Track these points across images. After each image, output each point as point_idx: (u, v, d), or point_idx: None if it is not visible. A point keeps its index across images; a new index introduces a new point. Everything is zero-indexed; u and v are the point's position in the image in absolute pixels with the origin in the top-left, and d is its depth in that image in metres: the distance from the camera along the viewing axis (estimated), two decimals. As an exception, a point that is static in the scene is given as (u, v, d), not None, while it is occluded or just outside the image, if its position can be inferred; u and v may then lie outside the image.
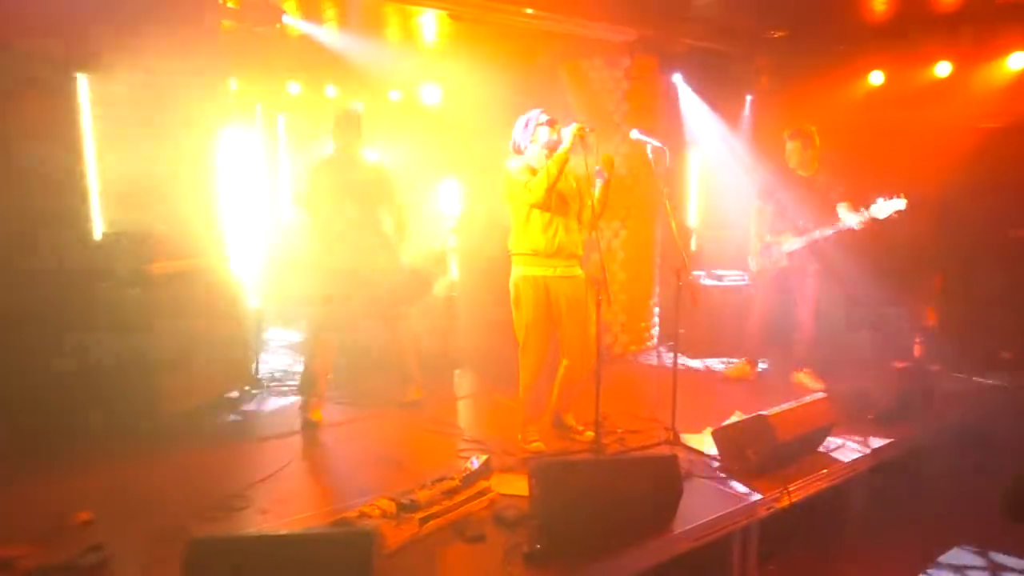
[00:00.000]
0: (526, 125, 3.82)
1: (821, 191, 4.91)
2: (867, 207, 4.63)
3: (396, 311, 4.59)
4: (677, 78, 6.18)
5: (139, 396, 4.13)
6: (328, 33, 5.16)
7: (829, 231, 4.83)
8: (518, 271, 3.87)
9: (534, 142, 3.83)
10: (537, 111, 3.85)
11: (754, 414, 3.70)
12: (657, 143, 4.13)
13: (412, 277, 4.60)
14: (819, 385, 4.99)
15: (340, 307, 4.35)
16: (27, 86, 4.05)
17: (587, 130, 3.69)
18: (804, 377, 5.12)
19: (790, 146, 5.01)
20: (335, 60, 5.39)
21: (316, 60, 5.52)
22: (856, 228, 4.69)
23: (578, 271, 3.94)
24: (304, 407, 4.40)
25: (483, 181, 6.50)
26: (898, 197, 4.53)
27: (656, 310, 6.51)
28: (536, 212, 3.76)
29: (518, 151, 3.86)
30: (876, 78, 6.14)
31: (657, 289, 6.49)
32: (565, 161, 3.69)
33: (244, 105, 5.67)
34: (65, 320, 3.97)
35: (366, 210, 4.27)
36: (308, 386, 4.41)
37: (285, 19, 4.69)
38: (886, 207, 4.56)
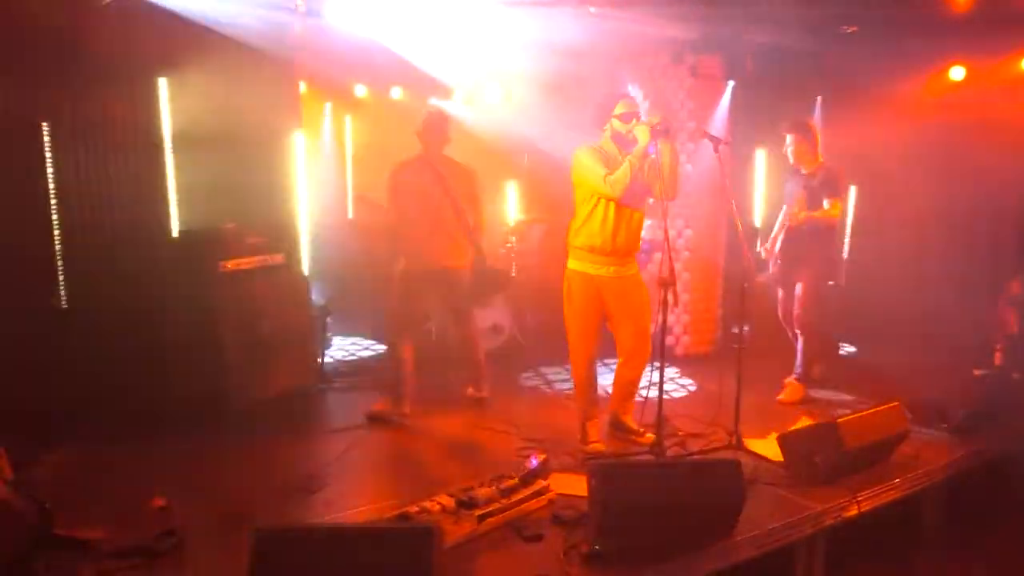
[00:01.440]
0: (603, 108, 3.79)
1: (816, 188, 4.75)
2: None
3: (469, 307, 4.65)
4: (738, 79, 6.03)
5: (211, 387, 4.28)
6: (388, 32, 5.22)
7: (778, 226, 4.75)
8: (573, 264, 3.86)
9: (604, 131, 3.80)
10: (620, 96, 3.82)
11: (822, 420, 3.58)
12: (723, 141, 4.06)
13: (490, 274, 4.64)
14: (798, 398, 4.79)
15: (423, 303, 4.43)
16: (113, 91, 4.24)
17: (660, 125, 3.63)
18: (787, 382, 4.89)
19: (788, 140, 4.84)
20: (399, 61, 5.45)
21: (382, 61, 5.58)
22: (787, 222, 4.64)
23: (634, 269, 3.91)
24: (394, 402, 4.46)
25: (542, 182, 6.52)
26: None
27: (720, 312, 6.36)
28: (602, 205, 3.73)
29: (598, 126, 3.84)
30: (957, 73, 5.86)
31: (721, 289, 6.34)
32: (645, 156, 3.66)
33: (313, 107, 5.80)
34: (144, 314, 4.14)
35: (451, 208, 4.35)
36: (396, 381, 4.47)
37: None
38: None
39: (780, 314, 5.16)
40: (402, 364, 4.44)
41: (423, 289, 4.43)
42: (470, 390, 4.74)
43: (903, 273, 6.15)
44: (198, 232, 4.51)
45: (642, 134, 3.63)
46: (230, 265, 4.46)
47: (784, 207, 5.03)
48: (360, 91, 6.58)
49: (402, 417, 4.43)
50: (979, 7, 5.18)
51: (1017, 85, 5.59)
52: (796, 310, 4.89)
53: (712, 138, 3.95)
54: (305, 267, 5.18)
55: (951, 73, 5.88)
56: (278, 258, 4.75)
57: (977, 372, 5.20)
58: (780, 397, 4.86)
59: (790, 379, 4.94)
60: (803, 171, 4.87)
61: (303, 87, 5.60)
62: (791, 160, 4.89)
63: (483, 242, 4.56)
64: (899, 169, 6.01)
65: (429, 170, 4.35)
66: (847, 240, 6.63)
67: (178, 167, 4.54)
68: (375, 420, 4.43)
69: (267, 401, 4.58)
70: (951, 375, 5.29)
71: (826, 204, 4.63)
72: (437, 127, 4.42)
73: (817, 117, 6.52)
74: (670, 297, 3.59)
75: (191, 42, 4.26)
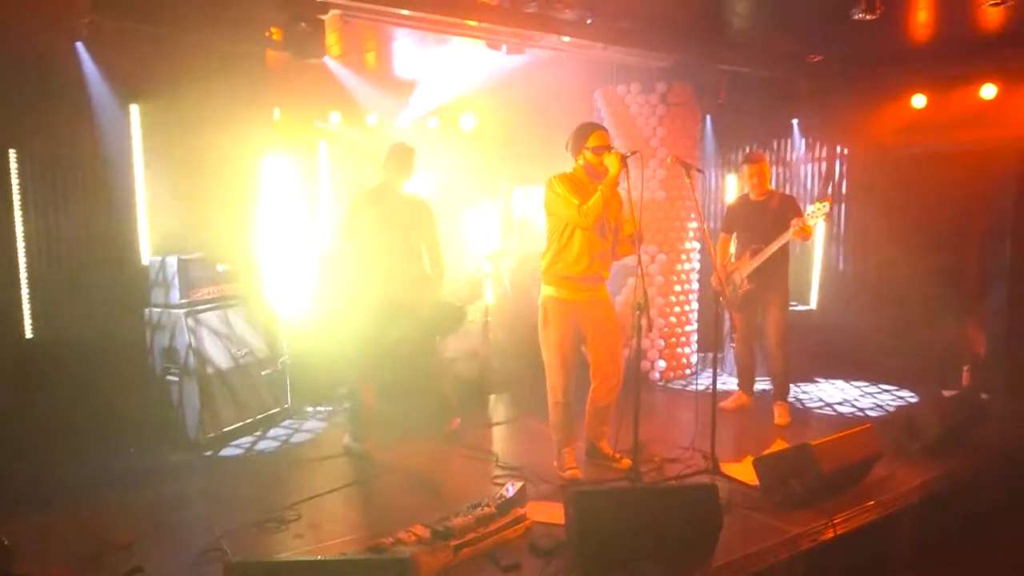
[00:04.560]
0: (578, 138, 3.84)
1: (774, 212, 4.85)
2: (808, 214, 4.64)
3: (432, 342, 4.63)
4: (711, 106, 6.18)
5: (175, 417, 4.21)
6: (367, 67, 5.26)
7: (775, 245, 4.78)
8: (548, 292, 3.88)
9: (577, 160, 3.86)
10: (594, 128, 3.86)
11: (798, 443, 3.60)
12: (695, 168, 4.13)
13: (448, 310, 4.61)
14: (786, 420, 4.86)
15: (385, 339, 4.38)
16: (84, 118, 4.20)
17: (627, 155, 3.70)
18: (776, 411, 4.95)
19: (746, 171, 5.02)
20: (374, 91, 5.48)
21: (356, 90, 5.62)
22: (792, 237, 4.70)
23: (605, 293, 3.95)
24: (357, 439, 4.40)
25: (516, 206, 6.55)
26: (822, 202, 4.59)
27: (695, 336, 6.42)
28: (577, 235, 3.77)
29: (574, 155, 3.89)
30: (918, 101, 6.05)
31: (696, 314, 6.41)
32: (616, 185, 3.72)
33: (286, 134, 5.78)
34: (110, 343, 4.07)
35: (407, 243, 4.32)
36: (360, 420, 4.41)
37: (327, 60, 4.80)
38: (814, 214, 4.60)
39: (741, 340, 5.21)
40: (362, 400, 4.39)
41: (381, 323, 4.34)
42: (441, 423, 4.69)
43: (871, 295, 6.27)
44: (168, 259, 4.45)
45: (613, 164, 3.68)
46: (200, 293, 4.42)
47: (723, 237, 5.16)
48: (335, 118, 6.59)
49: (370, 450, 4.35)
50: (939, 39, 5.38)
51: (976, 112, 5.76)
52: (772, 333, 4.95)
53: (684, 165, 4.02)
54: (274, 297, 5.11)
55: (913, 100, 6.05)
56: (246, 287, 4.71)
57: (946, 392, 5.28)
58: (776, 422, 4.91)
59: (777, 403, 4.99)
60: (754, 198, 5.00)
61: (277, 113, 5.59)
62: (747, 189, 5.05)
63: (442, 277, 4.52)
64: (866, 192, 6.16)
65: (387, 202, 4.31)
66: (818, 263, 6.73)
67: (148, 194, 4.50)
68: (349, 451, 4.38)
69: (235, 433, 4.53)
70: (921, 396, 5.38)
71: (796, 223, 4.70)
72: (401, 159, 4.38)
73: (796, 138, 6.67)
74: (644, 322, 3.61)
75: (164, 69, 4.24)
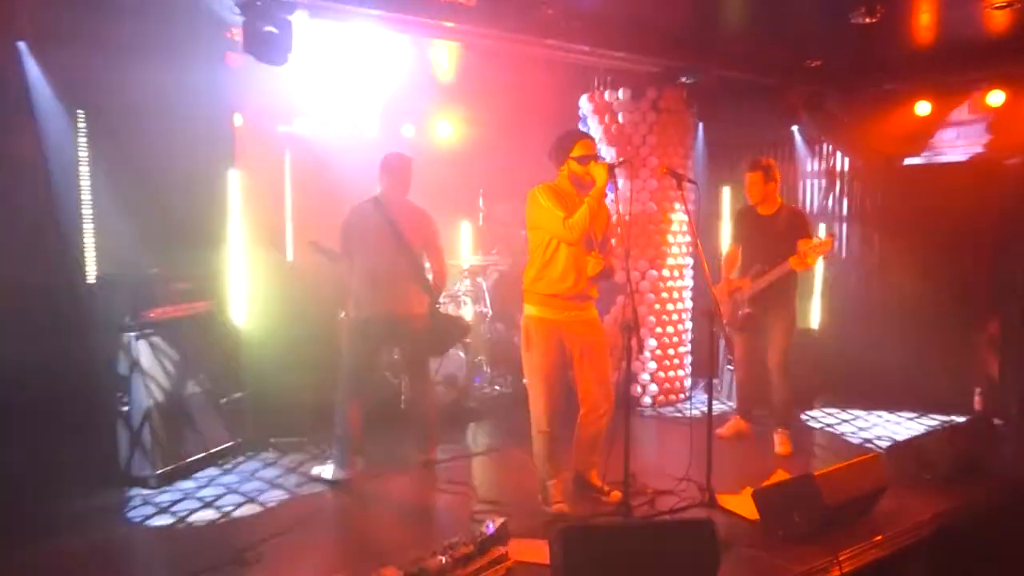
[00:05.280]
0: (562, 147, 3.85)
1: (781, 230, 4.86)
2: (803, 248, 4.68)
3: (425, 360, 4.64)
4: (704, 113, 6.23)
5: (122, 452, 4.14)
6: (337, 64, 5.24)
7: (775, 273, 4.79)
8: (531, 311, 3.87)
9: (562, 171, 3.86)
10: (579, 137, 3.88)
11: (800, 474, 3.58)
12: (687, 178, 4.15)
13: (448, 323, 4.63)
14: (788, 449, 4.87)
15: (377, 355, 4.41)
16: (26, 124, 4.12)
17: (615, 165, 3.72)
18: (777, 439, 4.95)
19: (749, 179, 4.94)
20: (344, 94, 5.47)
21: (325, 93, 5.60)
22: (790, 268, 4.73)
23: (593, 312, 3.94)
24: (340, 465, 4.36)
25: (499, 221, 6.56)
26: (825, 237, 4.69)
27: (689, 358, 6.43)
28: (562, 250, 3.77)
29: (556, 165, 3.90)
30: (923, 108, 6.13)
31: (690, 334, 6.43)
32: (603, 197, 3.72)
33: (248, 140, 5.75)
34: (50, 370, 3.94)
35: (409, 255, 4.36)
36: (346, 441, 4.37)
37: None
38: (815, 249, 4.65)
39: (740, 362, 5.23)
40: (349, 422, 4.35)
41: (376, 340, 4.40)
42: (419, 452, 4.66)
43: (876, 315, 6.31)
44: (118, 278, 4.37)
45: (599, 174, 3.68)
46: (153, 315, 4.33)
47: (731, 248, 5.20)
48: (301, 125, 6.56)
49: (348, 481, 4.32)
50: (943, 43, 5.45)
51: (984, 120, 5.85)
52: (774, 358, 4.95)
53: (676, 175, 4.04)
54: (239, 316, 5.05)
55: (917, 107, 6.13)
56: (208, 307, 4.65)
57: (957, 418, 5.30)
58: (777, 450, 4.90)
59: (778, 431, 4.98)
60: (761, 212, 4.99)
61: (239, 120, 5.55)
62: (750, 200, 5.01)
63: (443, 290, 4.57)
64: (870, 204, 6.22)
65: (384, 214, 4.35)
66: (820, 280, 6.78)
67: (96, 206, 4.43)
68: (318, 483, 4.32)
69: (194, 465, 4.44)
70: (931, 422, 5.41)
71: (799, 251, 4.71)
72: (399, 171, 4.44)
73: (799, 146, 6.72)
74: (634, 343, 3.61)
75: (114, 71, 4.18)
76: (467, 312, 6.08)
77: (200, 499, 4.13)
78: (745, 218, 5.13)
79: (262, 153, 6.01)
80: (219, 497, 4.18)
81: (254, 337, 5.03)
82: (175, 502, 4.07)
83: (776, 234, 4.87)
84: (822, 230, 4.96)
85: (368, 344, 4.38)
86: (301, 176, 6.38)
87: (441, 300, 4.67)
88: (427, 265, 4.53)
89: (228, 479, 4.45)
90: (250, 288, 5.12)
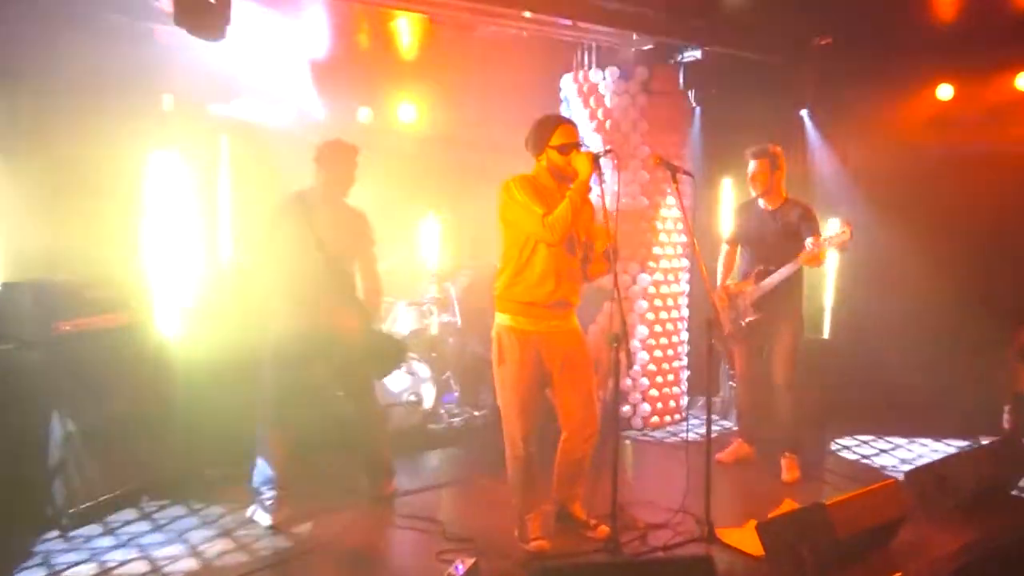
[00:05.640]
0: (540, 134, 3.87)
1: (789, 226, 4.94)
2: (817, 242, 4.75)
3: (367, 384, 4.60)
4: (701, 96, 6.32)
5: (29, 488, 4.05)
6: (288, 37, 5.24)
7: (784, 272, 4.86)
8: (504, 320, 3.89)
9: (540, 160, 3.90)
10: (559, 123, 3.90)
11: (810, 503, 3.64)
12: (682, 170, 4.20)
13: (384, 343, 4.56)
14: (796, 475, 4.96)
15: (304, 378, 4.36)
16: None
17: (600, 155, 3.76)
18: (784, 464, 5.02)
19: (753, 167, 5.00)
20: (288, 73, 5.47)
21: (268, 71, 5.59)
22: (801, 264, 4.81)
23: (574, 322, 3.98)
24: (263, 507, 4.30)
25: (469, 219, 6.58)
26: (841, 227, 4.70)
27: (685, 373, 6.50)
28: (541, 251, 3.80)
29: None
30: (945, 92, 6.26)
31: (687, 347, 6.50)
32: (587, 191, 3.76)
33: (180, 125, 5.73)
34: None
35: (337, 263, 4.29)
36: (266, 476, 4.32)
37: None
38: (830, 242, 4.71)
39: (742, 378, 5.30)
40: (272, 457, 4.31)
41: (301, 360, 4.32)
42: (373, 486, 4.65)
43: (894, 322, 6.40)
44: (22, 286, 4.27)
45: (582, 165, 3.72)
46: (66, 327, 4.28)
47: (728, 249, 5.27)
48: (240, 107, 6.53)
49: (282, 523, 4.26)
50: (966, 19, 5.57)
51: (1011, 106, 5.98)
52: (780, 371, 5.02)
53: (670, 166, 4.09)
54: (168, 327, 5.01)
55: (938, 91, 6.26)
56: (130, 318, 4.59)
57: (984, 439, 5.40)
58: (784, 477, 4.97)
59: (785, 455, 5.05)
60: (765, 206, 5.07)
61: (169, 103, 5.52)
62: (755, 191, 5.08)
63: (378, 303, 4.53)
64: (887, 199, 6.32)
65: (315, 212, 4.28)
66: (831, 283, 6.89)
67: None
68: (256, 527, 4.28)
69: (110, 505, 4.36)
70: (954, 442, 5.51)
71: (809, 243, 4.81)
72: (337, 164, 4.36)
73: (810, 131, 6.84)
74: (622, 357, 3.65)
75: (17, 47, 4.12)
76: (434, 323, 6.12)
77: (119, 544, 4.05)
78: (747, 213, 5.19)
79: (196, 140, 5.97)
80: (141, 542, 4.09)
81: (187, 351, 4.97)
82: (92, 548, 3.98)
83: (782, 231, 4.94)
84: (834, 225, 4.99)
85: (293, 365, 4.29)
86: (241, 165, 6.34)
87: (388, 316, 4.61)
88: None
89: (153, 519, 4.39)
90: (182, 295, 5.07)
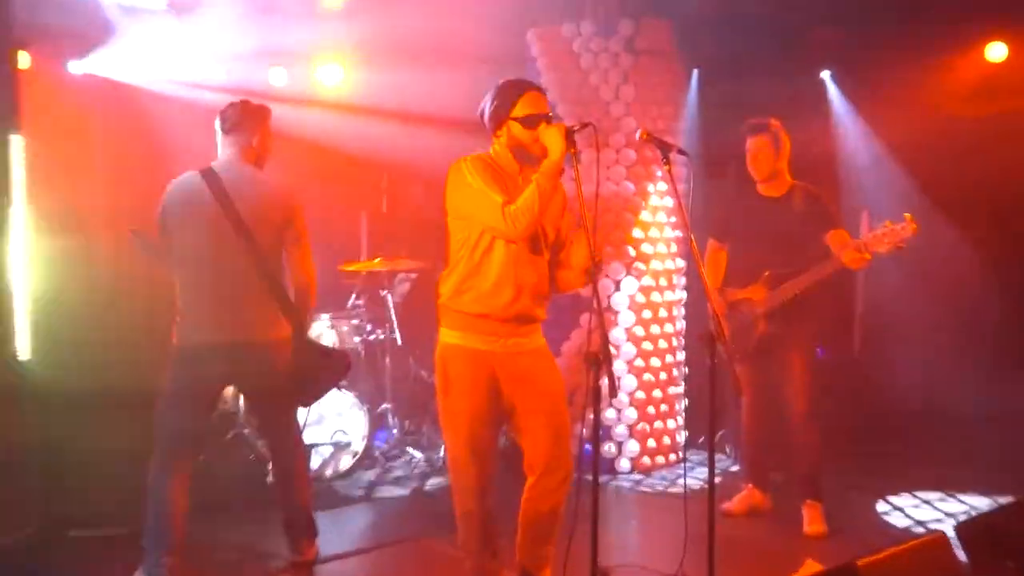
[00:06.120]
0: (500, 103, 3.82)
1: (797, 217, 4.98)
2: (867, 235, 4.72)
3: (286, 409, 4.54)
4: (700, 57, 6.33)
5: None
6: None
7: (813, 275, 4.85)
8: (451, 337, 3.84)
9: (499, 137, 3.86)
10: (523, 89, 3.85)
11: (838, 564, 3.60)
12: (676, 148, 4.14)
13: (321, 359, 4.50)
14: (821, 528, 4.97)
15: (208, 402, 4.32)
16: None
17: (575, 129, 3.70)
18: (806, 514, 5.04)
19: (754, 146, 5.04)
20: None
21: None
22: (842, 266, 4.78)
23: (540, 340, 3.94)
24: (152, 568, 4.20)
25: (410, 210, 6.53)
26: (902, 222, 4.64)
27: (683, 402, 6.49)
28: (499, 249, 3.75)
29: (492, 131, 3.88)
30: (996, 52, 6.31)
31: (684, 369, 6.49)
32: (560, 175, 3.71)
33: (39, 89, 5.63)
34: None
35: (256, 256, 4.25)
36: (157, 535, 4.22)
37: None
38: (887, 237, 4.64)
39: (751, 407, 5.29)
40: (166, 506, 4.21)
41: (208, 381, 4.28)
42: (291, 550, 4.58)
43: (938, 335, 6.44)
44: None
45: (553, 141, 3.66)
46: None
47: (715, 247, 5.27)
48: (115, 67, 6.43)
49: None
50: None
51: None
52: (797, 396, 5.02)
53: (661, 144, 4.02)
54: (22, 348, 4.92)
55: (988, 51, 6.31)
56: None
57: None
58: (807, 530, 4.98)
59: (807, 504, 5.05)
60: (767, 193, 5.10)
61: (26, 61, 5.41)
62: (756, 176, 5.10)
63: (308, 305, 4.48)
64: (926, 180, 6.35)
65: (217, 193, 4.23)
66: (861, 286, 6.91)
67: None
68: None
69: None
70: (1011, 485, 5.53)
71: (835, 238, 4.80)
72: (247, 128, 4.34)
73: (833, 100, 6.87)
74: (604, 383, 3.56)
75: None
76: (365, 341, 6.09)
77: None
78: (743, 203, 5.22)
79: (59, 107, 5.87)
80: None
81: (48, 378, 4.88)
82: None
83: (789, 224, 4.96)
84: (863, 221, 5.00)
85: (196, 387, 4.24)
86: (117, 139, 6.24)
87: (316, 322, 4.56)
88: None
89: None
90: (40, 306, 4.96)
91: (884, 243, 4.65)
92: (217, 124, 4.38)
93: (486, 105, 3.87)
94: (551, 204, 3.76)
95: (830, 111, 6.97)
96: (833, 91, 6.90)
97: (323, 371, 4.50)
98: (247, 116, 4.37)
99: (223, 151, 4.37)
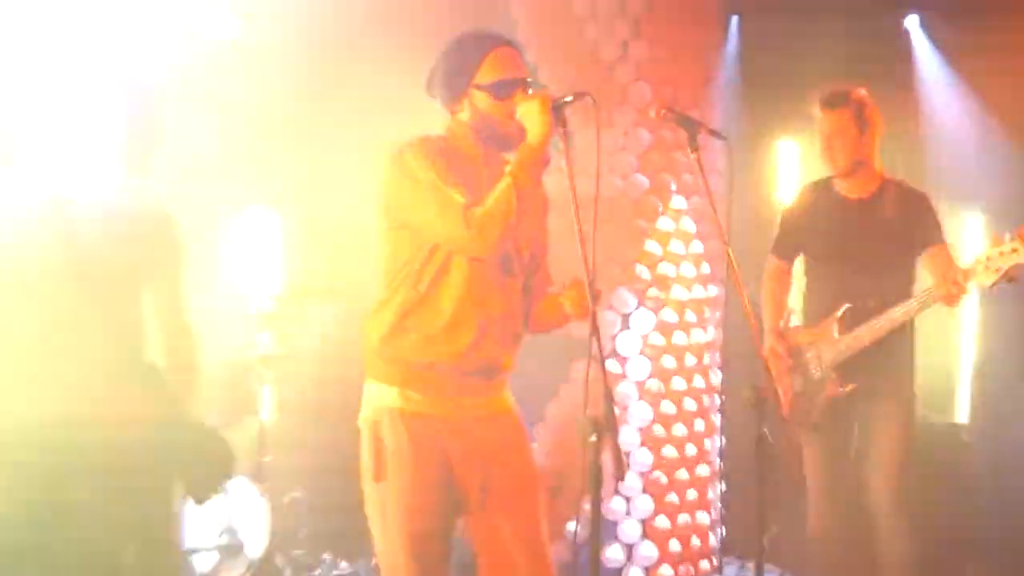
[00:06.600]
0: (456, 66, 3.82)
1: (889, 228, 5.00)
2: (977, 261, 4.64)
3: (159, 515, 4.51)
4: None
5: None
6: None
7: (898, 314, 4.82)
8: (384, 398, 3.80)
9: (457, 112, 3.83)
10: (488, 47, 3.82)
11: None
12: (707, 128, 4.11)
13: (203, 443, 4.49)
14: None
15: (52, 513, 4.21)
16: None
17: (564, 102, 3.66)
18: None
19: (829, 124, 5.04)
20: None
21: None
22: (950, 304, 4.74)
23: (506, 402, 3.93)
24: None
25: (328, 216, 6.49)
26: (1010, 241, 4.54)
27: (718, 488, 6.48)
28: (456, 271, 3.72)
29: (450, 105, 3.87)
30: None
31: (720, 440, 6.50)
32: (543, 164, 3.69)
33: None
34: None
35: (106, 307, 4.24)
36: None
37: None
38: (992, 261, 4.57)
39: (818, 495, 5.25)
40: None
41: (56, 479, 4.16)
42: None
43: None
44: None
45: (535, 118, 3.63)
46: None
47: (777, 267, 5.27)
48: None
49: None
50: None
51: None
52: (886, 484, 5.01)
53: (686, 122, 4.01)
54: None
55: None
56: None
57: None
58: None
59: None
60: (847, 193, 5.10)
61: None
62: (831, 168, 5.10)
63: (192, 369, 4.50)
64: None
65: (60, 218, 4.18)
66: (970, 333, 6.90)
67: None
68: None
69: None
70: None
71: (931, 258, 4.82)
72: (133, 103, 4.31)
73: (922, 59, 6.85)
74: (606, 460, 3.48)
75: None
76: (261, 403, 6.08)
77: None
78: (814, 205, 5.22)
79: None
80: None
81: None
82: None
83: (878, 237, 4.97)
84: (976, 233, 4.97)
85: (28, 495, 4.16)
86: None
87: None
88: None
89: None
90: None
91: (991, 268, 4.61)
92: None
93: (438, 68, 3.86)
94: (530, 206, 3.72)
95: (915, 71, 7.00)
96: (922, 43, 6.90)
97: (205, 463, 4.55)
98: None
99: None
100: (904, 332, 4.97)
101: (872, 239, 4.98)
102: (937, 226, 5.00)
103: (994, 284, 4.60)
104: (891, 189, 5.07)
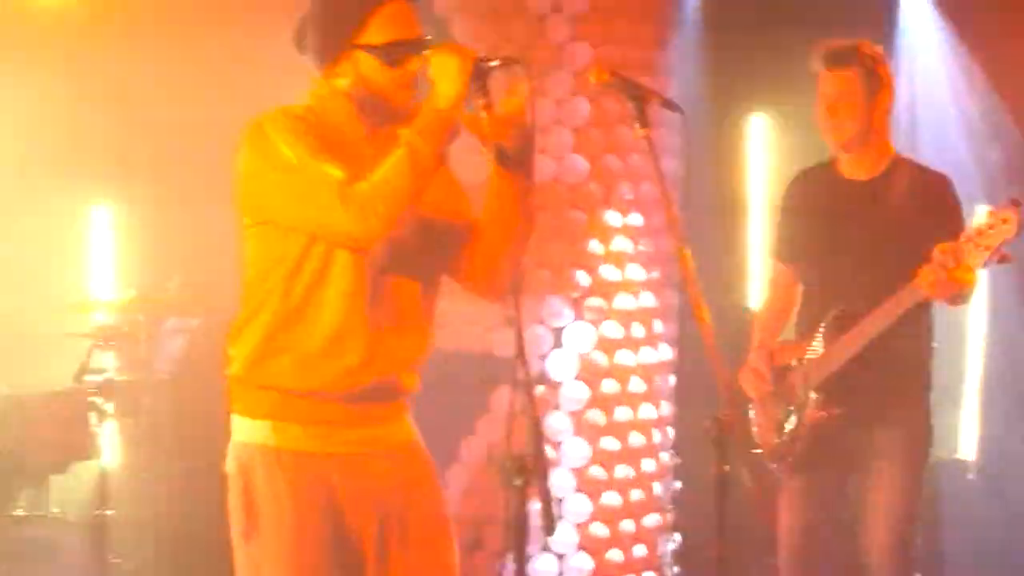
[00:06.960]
0: (330, 19, 3.82)
1: (899, 214, 5.08)
2: (965, 237, 4.69)
3: None
4: None
5: None
6: None
7: (882, 317, 4.85)
8: (254, 433, 3.82)
9: (335, 81, 3.87)
10: None
11: None
12: (660, 97, 4.19)
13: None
14: None
15: None
16: None
17: (487, 65, 3.71)
18: None
19: (830, 85, 5.10)
20: None
21: None
22: (925, 296, 4.80)
23: (408, 431, 3.96)
24: None
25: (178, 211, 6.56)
26: (990, 215, 4.66)
27: (669, 543, 6.59)
28: (337, 272, 3.71)
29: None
30: None
31: (671, 483, 6.64)
32: (453, 130, 3.64)
33: None
34: None
35: None
36: None
37: None
38: (981, 237, 4.66)
39: (795, 548, 5.32)
40: None
41: None
42: None
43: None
44: None
45: (451, 74, 3.66)
46: None
47: (781, 272, 5.39)
48: None
49: None
50: None
51: None
52: (885, 523, 5.07)
53: (634, 89, 4.07)
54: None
55: None
56: None
57: None
58: None
59: None
60: (852, 173, 5.19)
61: None
62: (834, 144, 5.17)
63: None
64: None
65: None
66: (977, 349, 7.04)
67: None
68: None
69: None
70: None
71: (939, 254, 4.83)
72: None
73: (914, 13, 7.08)
74: (535, 510, 3.58)
75: None
76: (99, 445, 6.04)
77: None
78: (814, 192, 5.32)
79: None
80: None
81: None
82: None
83: (885, 225, 5.07)
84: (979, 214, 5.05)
85: None
86: None
87: None
88: None
89: None
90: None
91: (977, 247, 4.68)
92: None
93: (311, 16, 3.88)
94: (435, 184, 3.80)
95: (914, 45, 7.19)
96: (921, 12, 7.10)
97: None
98: None
99: None
100: (918, 342, 5.05)
101: (876, 228, 5.03)
102: (956, 216, 5.00)
103: (985, 264, 4.66)
104: (903, 168, 5.13)
